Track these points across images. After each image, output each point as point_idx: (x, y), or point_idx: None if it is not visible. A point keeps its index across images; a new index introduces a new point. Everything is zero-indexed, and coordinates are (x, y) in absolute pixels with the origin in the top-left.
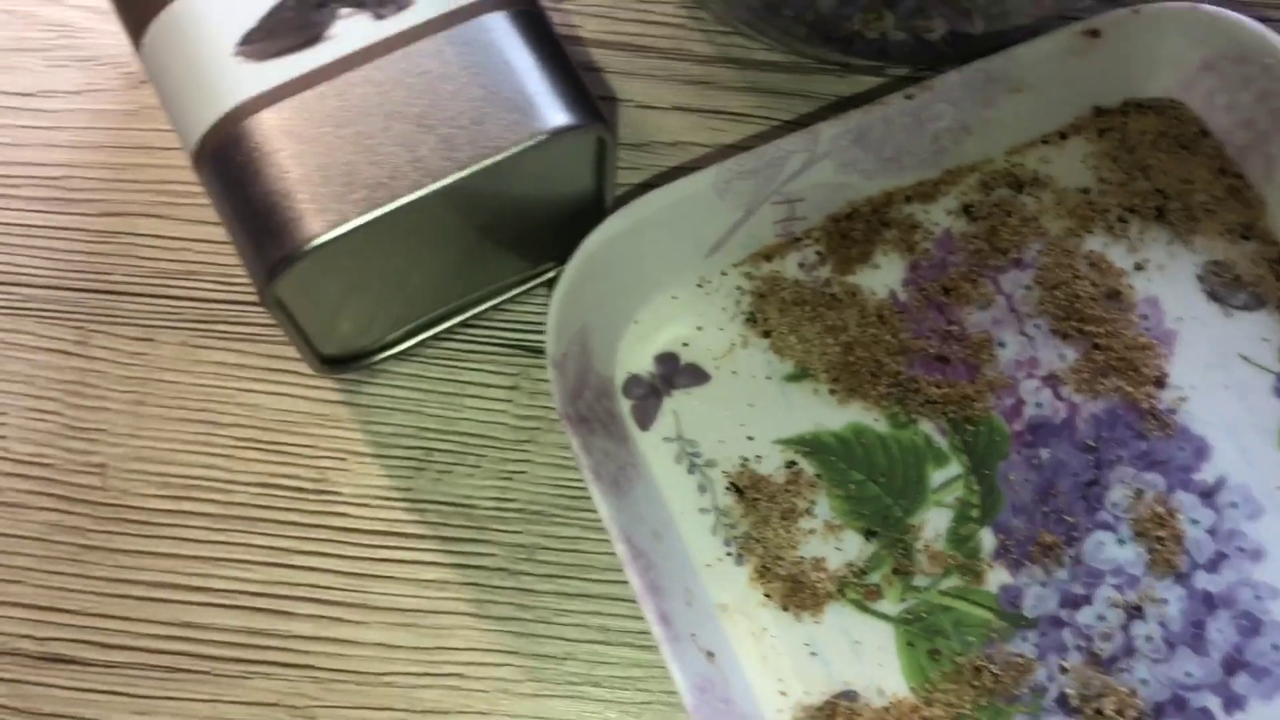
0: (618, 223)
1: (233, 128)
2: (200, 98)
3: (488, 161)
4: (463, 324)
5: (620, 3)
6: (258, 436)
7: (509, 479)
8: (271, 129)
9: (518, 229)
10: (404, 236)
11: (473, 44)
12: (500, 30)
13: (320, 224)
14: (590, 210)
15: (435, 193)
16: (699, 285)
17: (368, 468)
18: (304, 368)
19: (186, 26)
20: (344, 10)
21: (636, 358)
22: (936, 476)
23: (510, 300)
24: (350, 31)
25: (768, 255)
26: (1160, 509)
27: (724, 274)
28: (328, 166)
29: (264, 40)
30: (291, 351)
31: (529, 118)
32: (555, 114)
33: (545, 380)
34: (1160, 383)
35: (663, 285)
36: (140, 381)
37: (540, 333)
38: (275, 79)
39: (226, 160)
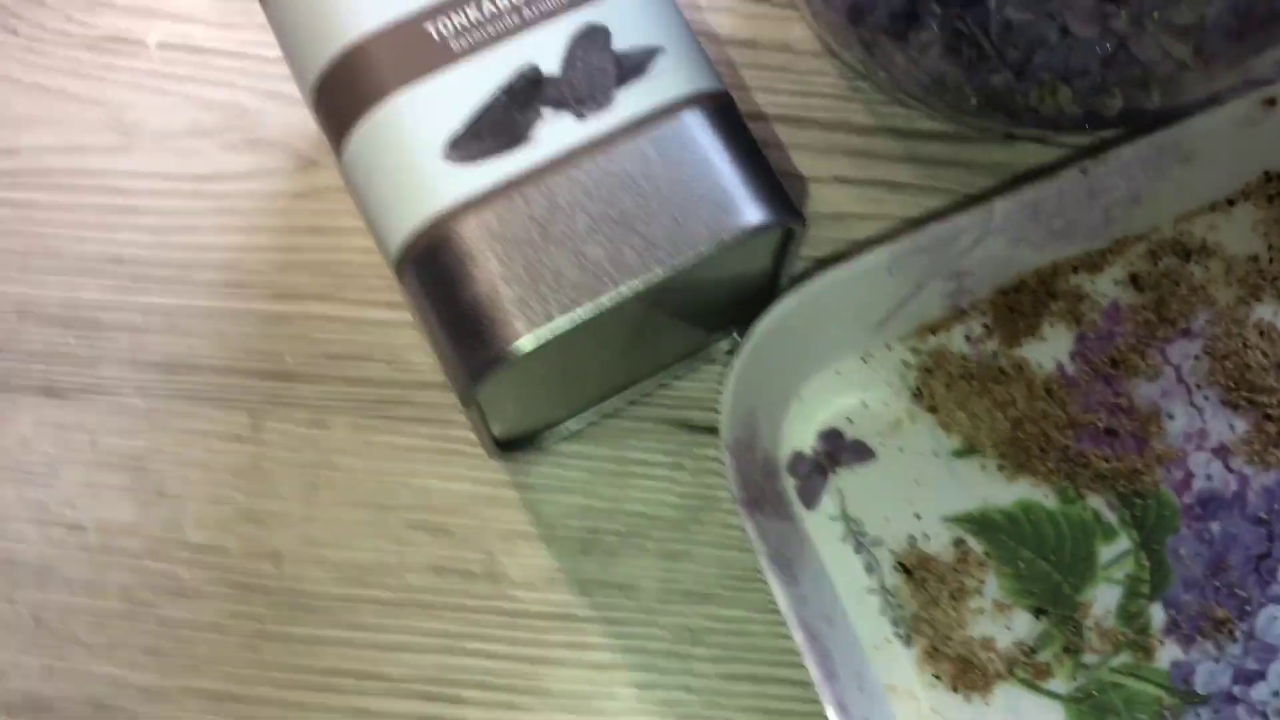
0: (790, 303)
1: (439, 232)
2: (407, 202)
3: (690, 260)
4: (628, 404)
5: (782, 75)
6: (427, 520)
7: (674, 560)
8: (478, 233)
9: (693, 310)
10: (596, 330)
11: (671, 142)
12: (697, 127)
13: (527, 328)
14: (763, 287)
15: (638, 292)
16: (863, 359)
17: (535, 550)
18: (471, 449)
19: (392, 131)
20: (547, 111)
21: (800, 434)
22: (1106, 552)
23: (675, 376)
24: (554, 133)
25: (933, 328)
26: None
27: (889, 348)
28: (533, 270)
29: (471, 143)
30: (459, 433)
31: (729, 215)
32: (754, 211)
33: (707, 458)
34: None
35: (827, 360)
36: (313, 466)
37: (701, 408)
38: (482, 183)
39: (432, 264)
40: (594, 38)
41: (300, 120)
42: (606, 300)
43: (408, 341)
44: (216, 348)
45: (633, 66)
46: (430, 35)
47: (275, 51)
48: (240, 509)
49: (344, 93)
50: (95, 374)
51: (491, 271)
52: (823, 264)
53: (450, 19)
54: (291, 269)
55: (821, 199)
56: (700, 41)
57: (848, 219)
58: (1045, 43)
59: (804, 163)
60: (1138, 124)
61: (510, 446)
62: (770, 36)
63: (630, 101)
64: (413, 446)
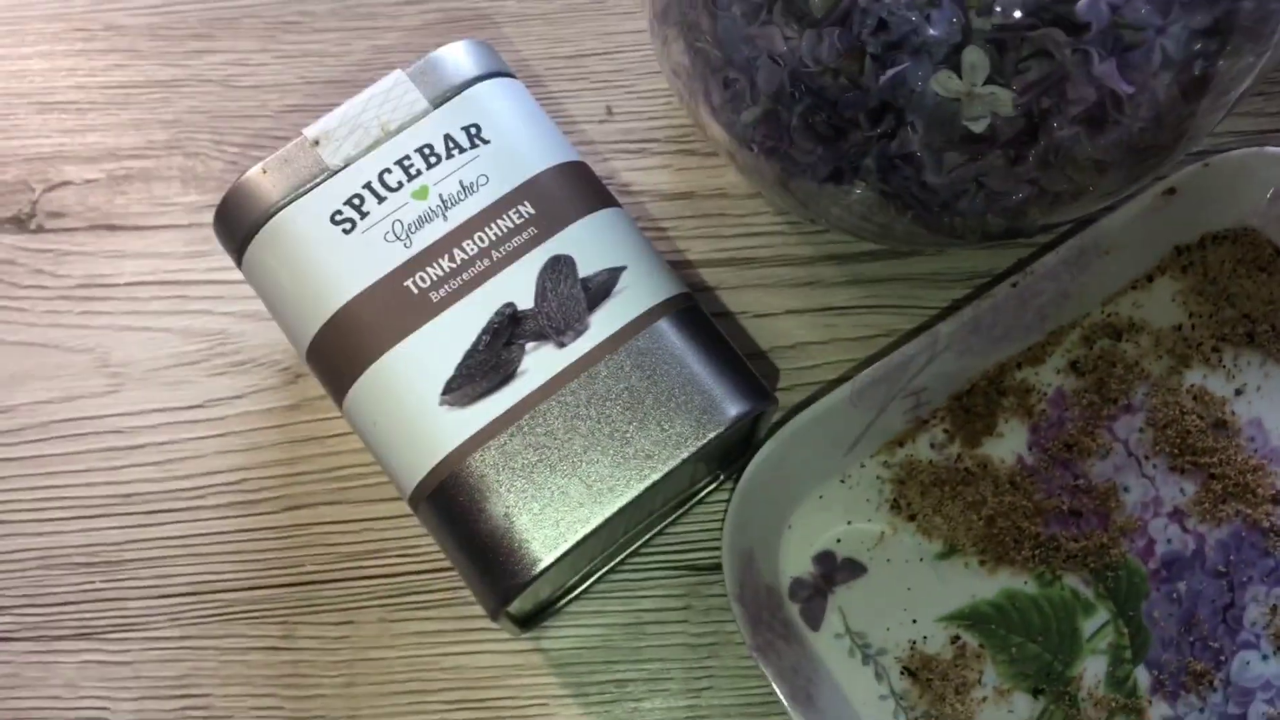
0: (768, 452)
1: (447, 473)
2: (412, 448)
3: (683, 457)
4: (631, 555)
5: (722, 221)
6: (465, 696)
7: (698, 695)
8: (483, 468)
9: (684, 475)
10: (604, 528)
11: (648, 353)
12: (669, 334)
13: (544, 551)
14: (743, 441)
15: (638, 495)
16: (842, 481)
17: (569, 708)
18: (495, 633)
19: (389, 383)
20: (530, 345)
21: (797, 562)
22: (1088, 626)
23: (670, 524)
24: (539, 364)
25: (900, 441)
26: None
27: (863, 466)
28: (541, 492)
29: (464, 386)
30: (480, 610)
31: (711, 413)
32: (731, 404)
33: (714, 595)
34: (1277, 499)
35: (810, 489)
36: (348, 664)
37: (700, 549)
38: (480, 421)
39: (445, 502)
40: (560, 268)
41: (280, 336)
42: (611, 510)
43: (418, 531)
44: (238, 567)
45: (600, 289)
46: (410, 290)
47: None
48: (286, 716)
49: (337, 354)
50: (125, 610)
51: (502, 502)
52: (793, 411)
53: (426, 272)
54: (297, 481)
55: (778, 332)
56: (644, 201)
57: (806, 347)
58: (966, 193)
59: (756, 300)
60: (1059, 228)
61: (530, 621)
62: (706, 185)
63: (604, 322)
64: (440, 630)
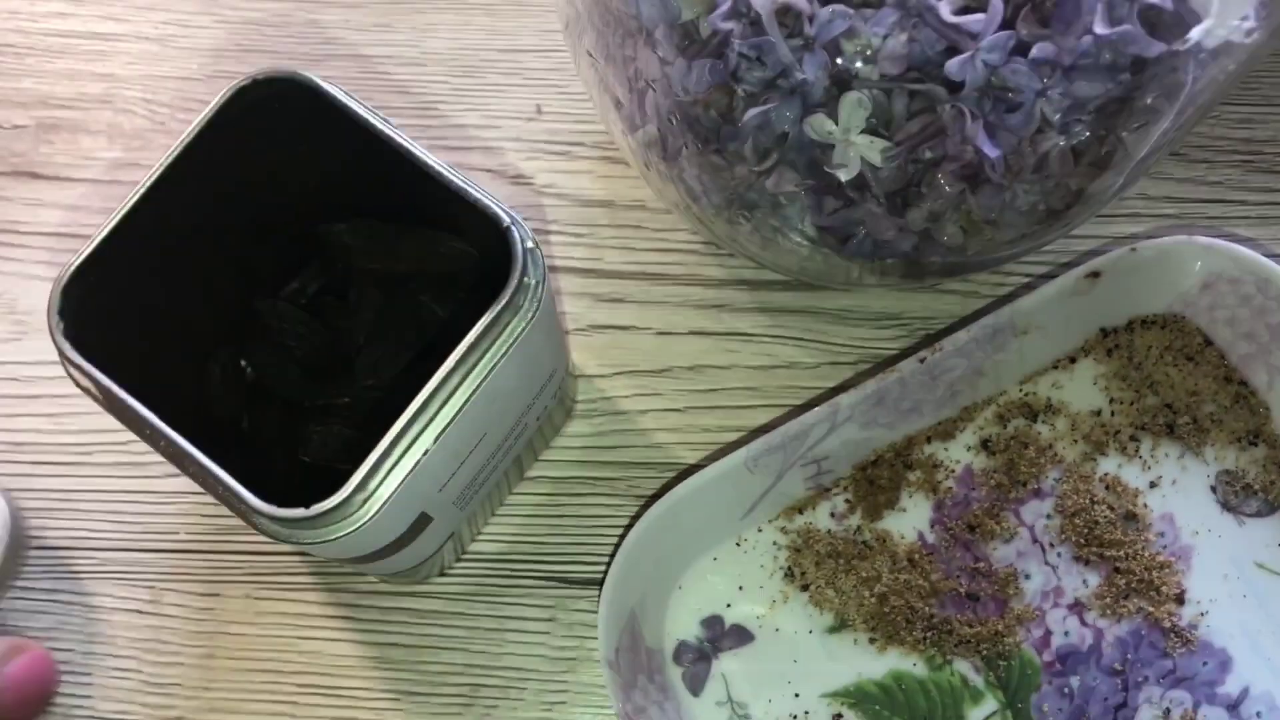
0: (658, 512)
1: None
2: None
3: None
4: (503, 559)
5: (638, 233)
6: (319, 682)
7: (550, 709)
8: None
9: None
10: None
11: None
12: None
13: None
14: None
15: None
16: (738, 544)
17: (421, 706)
18: (360, 614)
19: None
20: None
21: (683, 624)
22: (974, 715)
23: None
24: None
25: (800, 508)
26: None
27: (760, 530)
28: None
29: None
30: (346, 597)
31: None
32: None
33: (581, 610)
34: (1180, 599)
35: (704, 549)
36: (209, 636)
37: (573, 562)
38: None
39: None
40: None
41: None
42: None
43: None
44: (115, 527)
45: None
46: None
47: None
48: (144, 679)
49: None
50: None
51: None
52: (688, 472)
53: None
54: None
55: (679, 352)
56: (562, 205)
57: (706, 370)
58: (853, 236)
59: (662, 317)
60: (964, 269)
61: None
62: (626, 195)
63: None
64: (302, 613)
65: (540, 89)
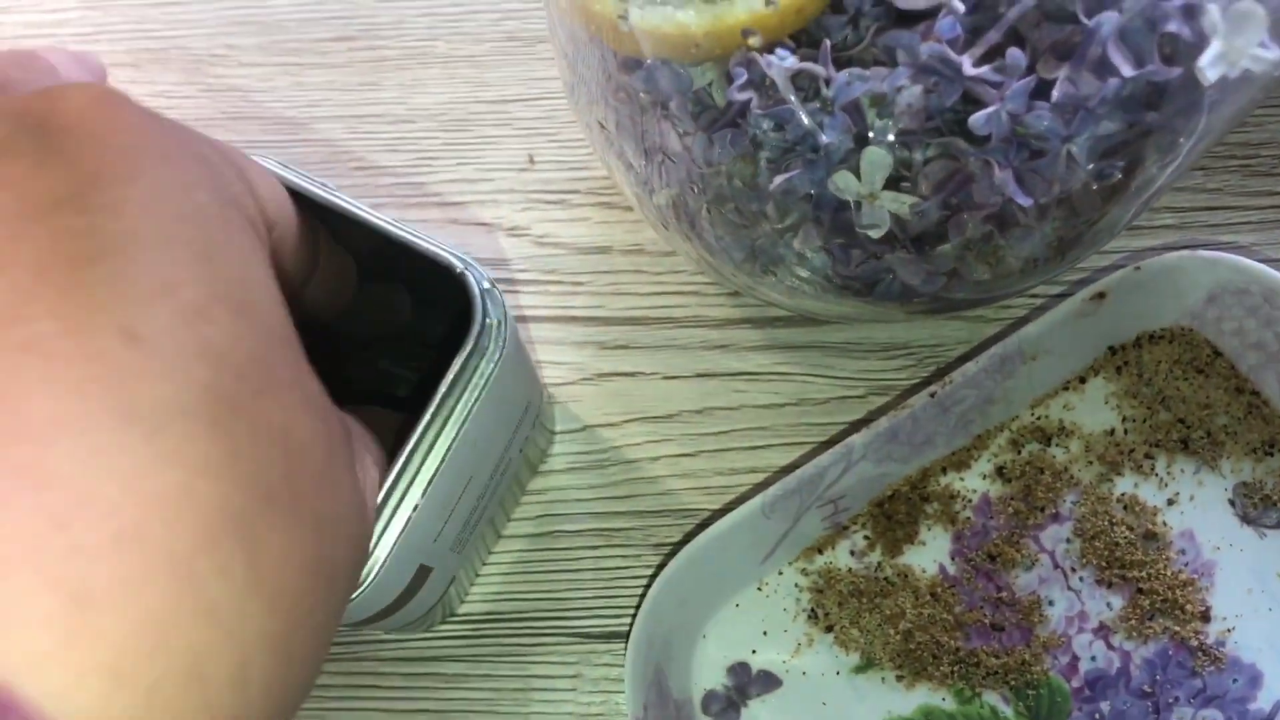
0: (677, 566)
1: None
2: None
3: None
4: (525, 617)
5: (636, 278)
6: None
7: None
8: None
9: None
10: None
11: None
12: None
13: None
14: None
15: None
16: (759, 589)
17: None
18: (384, 681)
19: None
20: None
21: (710, 673)
22: None
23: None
24: None
25: (819, 548)
26: None
27: (781, 573)
28: None
29: None
30: (368, 666)
31: None
32: None
33: (605, 665)
34: (1206, 617)
35: (725, 596)
36: None
37: (594, 616)
38: None
39: None
40: None
41: None
42: None
43: None
44: None
45: None
46: None
47: None
48: None
49: None
50: None
51: None
52: (706, 522)
53: None
54: None
55: (686, 396)
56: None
57: (715, 412)
58: (880, 281)
59: (667, 362)
60: (990, 301)
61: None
62: (624, 240)
63: None
64: (325, 683)
65: (531, 138)
